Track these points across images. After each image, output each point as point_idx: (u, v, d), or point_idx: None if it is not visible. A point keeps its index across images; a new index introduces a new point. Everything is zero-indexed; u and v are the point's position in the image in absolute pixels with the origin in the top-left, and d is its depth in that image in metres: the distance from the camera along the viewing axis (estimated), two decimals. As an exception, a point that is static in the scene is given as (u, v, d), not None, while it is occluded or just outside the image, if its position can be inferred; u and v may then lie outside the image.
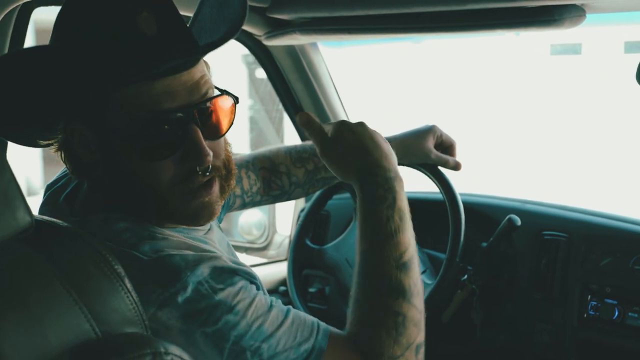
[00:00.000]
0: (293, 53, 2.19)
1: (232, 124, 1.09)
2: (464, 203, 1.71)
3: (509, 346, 1.90)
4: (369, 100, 12.11)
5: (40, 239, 0.87)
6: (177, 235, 1.08)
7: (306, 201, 2.42)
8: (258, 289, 1.07)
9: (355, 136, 1.24)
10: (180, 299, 0.96)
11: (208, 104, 1.03)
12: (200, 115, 1.02)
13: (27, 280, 0.81)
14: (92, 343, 0.82)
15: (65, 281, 0.82)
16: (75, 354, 0.80)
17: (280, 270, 2.47)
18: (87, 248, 0.87)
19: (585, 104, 13.41)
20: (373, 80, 14.14)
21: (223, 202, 1.13)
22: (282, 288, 2.44)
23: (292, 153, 1.69)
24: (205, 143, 1.03)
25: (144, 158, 1.01)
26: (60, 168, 1.22)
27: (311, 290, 2.15)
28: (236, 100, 1.09)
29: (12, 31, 1.48)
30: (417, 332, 1.18)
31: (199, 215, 1.08)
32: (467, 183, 2.11)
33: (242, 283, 1.02)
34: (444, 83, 14.38)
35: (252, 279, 1.06)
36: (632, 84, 1.58)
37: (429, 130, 1.69)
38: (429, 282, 1.70)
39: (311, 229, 2.00)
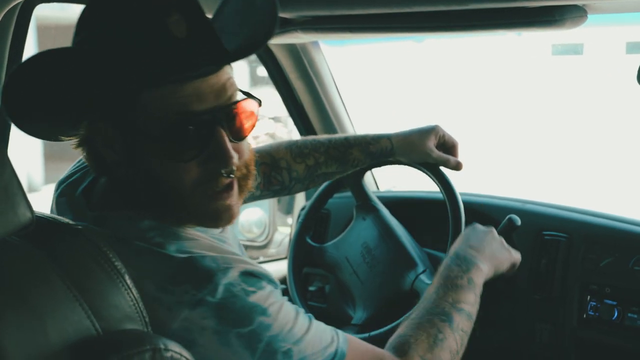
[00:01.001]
0: (294, 52, 2.19)
1: (254, 126, 1.10)
2: (465, 203, 1.72)
3: (509, 346, 1.90)
4: (370, 99, 12.11)
5: (40, 235, 0.87)
6: (199, 235, 1.09)
7: (307, 199, 2.43)
8: (282, 294, 1.09)
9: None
10: (214, 299, 0.96)
11: (234, 106, 1.04)
12: (227, 117, 1.04)
13: (27, 276, 0.81)
14: (92, 339, 0.82)
15: (66, 277, 0.83)
16: (75, 350, 0.80)
17: (280, 268, 2.47)
18: (88, 244, 0.88)
19: (586, 104, 13.41)
20: (375, 79, 14.13)
21: (241, 202, 1.14)
22: (282, 286, 2.44)
23: (293, 148, 1.70)
24: (229, 145, 1.04)
25: (170, 158, 1.01)
26: (62, 164, 1.22)
27: (311, 288, 2.16)
28: (259, 102, 1.10)
29: (14, 28, 1.48)
30: (449, 358, 1.24)
31: (220, 217, 1.09)
32: (468, 183, 2.11)
33: (270, 287, 1.04)
34: (445, 82, 14.37)
35: (275, 285, 1.08)
36: (633, 84, 1.59)
37: (432, 130, 1.72)
38: (428, 281, 1.70)
39: (312, 227, 2.01)
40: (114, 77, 0.97)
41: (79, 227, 0.91)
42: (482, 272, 1.45)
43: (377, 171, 2.24)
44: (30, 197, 0.83)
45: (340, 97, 2.37)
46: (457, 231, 1.67)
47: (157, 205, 1.06)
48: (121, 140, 1.03)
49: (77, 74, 0.97)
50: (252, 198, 1.70)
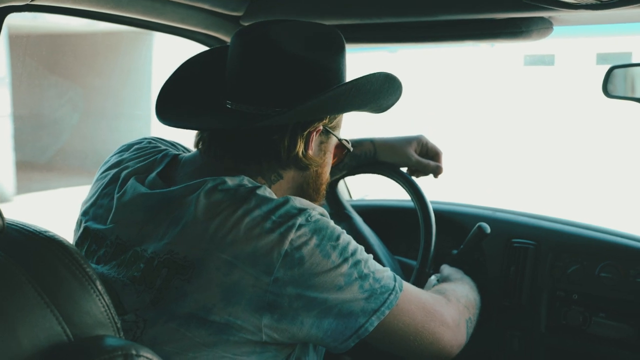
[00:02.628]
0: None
1: None
2: (436, 211, 1.74)
3: (480, 353, 1.92)
4: (344, 108, 12.11)
5: (11, 242, 0.87)
6: None
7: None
8: None
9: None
10: (310, 222, 1.16)
11: None
12: None
13: (-2, 283, 0.81)
14: (64, 345, 0.82)
15: (37, 284, 0.83)
16: (46, 356, 0.80)
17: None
18: (59, 251, 0.88)
19: (556, 113, 13.56)
20: (349, 89, 14.15)
21: None
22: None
23: None
24: None
25: (333, 160, 1.39)
26: (33, 174, 1.22)
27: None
28: None
29: (-15, 36, 1.48)
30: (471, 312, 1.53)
31: None
32: (440, 191, 2.14)
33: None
34: (420, 92, 14.46)
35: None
36: (602, 95, 1.62)
37: (415, 138, 1.79)
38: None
39: None
40: (351, 104, 1.28)
41: (49, 233, 0.91)
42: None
43: (350, 180, 2.26)
44: (2, 207, 0.83)
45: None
46: (428, 239, 1.69)
47: (306, 195, 1.33)
48: (318, 144, 1.31)
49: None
50: None
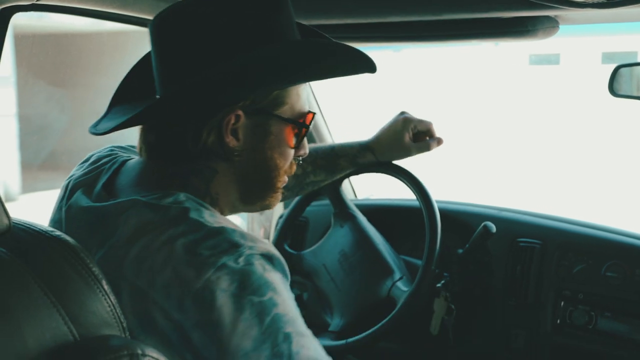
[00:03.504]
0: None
1: None
2: (441, 210, 1.74)
3: (485, 352, 1.92)
4: (348, 108, 12.14)
5: (17, 241, 0.87)
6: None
7: (285, 207, 2.43)
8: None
9: None
10: (237, 266, 1.02)
11: None
12: None
13: (4, 283, 0.81)
14: (69, 345, 0.83)
15: (43, 283, 0.83)
16: (52, 356, 0.80)
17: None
18: (64, 250, 0.88)
19: (561, 112, 13.54)
20: (353, 88, 14.17)
21: None
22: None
23: None
24: None
25: (293, 144, 1.21)
26: (38, 174, 1.22)
27: (289, 296, 2.16)
28: None
29: (-9, 36, 1.48)
30: None
31: (275, 201, 1.27)
32: (445, 189, 2.14)
33: (280, 276, 1.09)
34: (424, 91, 14.45)
35: (288, 277, 1.13)
36: (607, 94, 1.62)
37: (404, 129, 1.76)
38: (405, 288, 1.72)
39: (290, 234, 2.01)
40: (277, 76, 1.14)
41: (56, 233, 0.92)
42: None
43: (355, 179, 2.26)
44: (7, 206, 0.84)
45: (318, 106, 2.38)
46: (433, 238, 1.69)
47: (244, 187, 1.20)
48: (252, 127, 1.15)
49: (238, 70, 1.10)
50: None
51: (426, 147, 1.77)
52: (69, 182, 1.24)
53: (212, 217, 1.09)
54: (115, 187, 1.18)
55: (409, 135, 1.76)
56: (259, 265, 1.04)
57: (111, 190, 1.17)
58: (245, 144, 1.15)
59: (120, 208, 1.09)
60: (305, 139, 1.24)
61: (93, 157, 1.29)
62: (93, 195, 1.17)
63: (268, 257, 1.07)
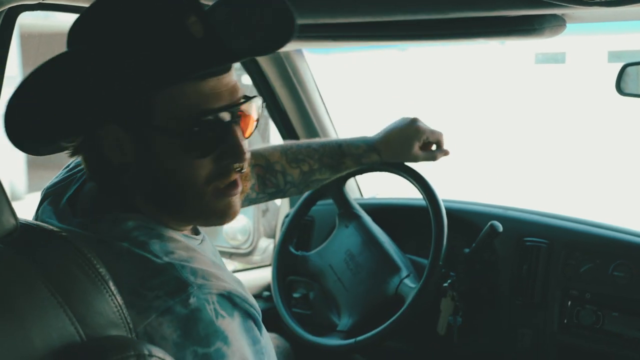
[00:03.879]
0: (278, 60, 2.20)
1: (257, 125, 1.14)
2: (447, 209, 1.74)
3: (491, 351, 1.92)
4: (354, 107, 12.14)
5: (25, 241, 0.87)
6: (182, 239, 1.09)
7: (291, 206, 2.43)
8: (255, 330, 1.07)
9: None
10: (183, 311, 0.96)
11: (244, 105, 1.08)
12: (239, 115, 1.08)
13: (11, 283, 0.81)
14: (76, 346, 0.83)
15: (50, 284, 0.83)
16: (59, 356, 0.80)
17: (265, 275, 2.48)
18: (72, 251, 0.88)
19: (568, 111, 13.51)
20: (359, 87, 14.17)
21: (241, 201, 1.16)
22: (266, 293, 2.45)
23: (288, 153, 1.72)
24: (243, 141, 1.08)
25: (191, 155, 1.04)
26: (45, 172, 1.22)
27: (295, 295, 2.16)
28: (264, 102, 1.15)
29: (-3, 35, 1.48)
30: None
31: (226, 213, 1.12)
32: (451, 189, 2.13)
33: (239, 320, 1.03)
34: (429, 90, 14.44)
35: (252, 312, 1.06)
36: (614, 93, 1.62)
37: (415, 136, 1.75)
38: (412, 285, 1.72)
39: (295, 235, 2.01)
40: (132, 76, 0.99)
41: (64, 233, 0.92)
42: None
43: (361, 178, 2.26)
44: (13, 205, 0.84)
45: (324, 105, 2.38)
46: (439, 238, 1.69)
47: (160, 205, 1.08)
48: (132, 140, 1.05)
49: (88, 76, 0.99)
50: (249, 201, 1.72)
51: (432, 157, 1.79)
52: (43, 190, 1.21)
53: (162, 248, 1.02)
54: (79, 201, 1.13)
55: (419, 145, 1.76)
56: (210, 310, 0.97)
57: (74, 204, 1.13)
58: (130, 159, 1.06)
59: None
60: (237, 142, 1.06)
61: (72, 163, 1.24)
62: (58, 209, 1.12)
63: (226, 298, 1.01)
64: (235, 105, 1.06)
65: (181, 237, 1.10)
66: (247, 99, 1.09)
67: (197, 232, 1.19)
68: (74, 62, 1.00)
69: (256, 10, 1.09)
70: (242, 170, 1.09)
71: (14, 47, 1.57)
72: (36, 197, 1.22)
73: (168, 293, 0.97)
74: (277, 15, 1.09)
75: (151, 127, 1.03)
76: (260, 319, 1.10)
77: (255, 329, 1.07)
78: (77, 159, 1.15)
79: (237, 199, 1.12)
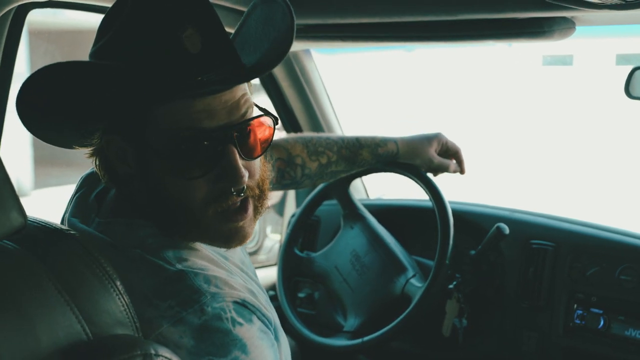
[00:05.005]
0: (287, 60, 2.20)
1: (269, 144, 1.07)
2: (453, 211, 1.74)
3: (497, 354, 1.91)
4: (361, 107, 12.14)
5: (33, 239, 0.88)
6: (200, 247, 1.07)
7: (297, 205, 2.43)
8: (271, 335, 1.05)
9: None
10: (197, 321, 0.94)
11: (247, 124, 1.02)
12: (239, 135, 1.01)
13: (19, 280, 0.81)
14: (83, 344, 0.83)
15: (57, 282, 0.83)
16: (65, 354, 0.80)
17: (270, 274, 2.48)
18: (79, 249, 0.88)
19: (575, 114, 13.48)
20: (366, 88, 14.16)
21: (256, 223, 1.11)
22: (271, 292, 2.45)
23: (309, 146, 1.72)
24: (241, 163, 1.01)
25: (178, 176, 0.99)
26: (52, 169, 1.22)
27: (300, 295, 2.16)
28: (275, 120, 1.08)
29: (7, 33, 1.48)
30: None
31: (232, 238, 1.07)
32: (457, 191, 2.13)
33: (258, 325, 1.01)
34: (437, 91, 14.42)
35: (266, 322, 1.04)
36: (623, 95, 1.61)
37: (434, 138, 1.79)
38: (419, 284, 1.72)
39: (300, 236, 2.01)
40: (127, 90, 0.96)
41: (72, 232, 0.92)
42: None
43: (367, 179, 2.25)
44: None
45: (332, 104, 2.38)
46: (446, 236, 1.69)
47: (166, 220, 1.04)
48: (134, 153, 1.02)
49: (91, 86, 0.96)
50: None
51: (447, 165, 1.79)
52: (80, 178, 1.22)
53: (176, 256, 1.01)
54: (105, 200, 1.12)
55: (437, 148, 1.79)
56: (227, 319, 0.95)
57: (102, 201, 1.12)
58: (134, 170, 1.04)
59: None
60: (232, 164, 1.00)
61: None
62: (87, 204, 1.12)
63: (241, 305, 0.99)
64: (233, 125, 1.00)
65: (201, 245, 1.08)
66: (250, 119, 1.02)
67: None
68: (80, 66, 0.97)
69: (269, 24, 1.08)
70: (242, 194, 1.03)
71: (22, 45, 1.58)
72: (42, 194, 1.22)
73: (180, 303, 0.95)
74: (280, 26, 1.07)
75: (145, 144, 1.00)
76: (273, 329, 1.07)
77: (272, 334, 1.06)
78: None
79: (245, 224, 1.07)
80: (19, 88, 0.96)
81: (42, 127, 1.02)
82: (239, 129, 1.01)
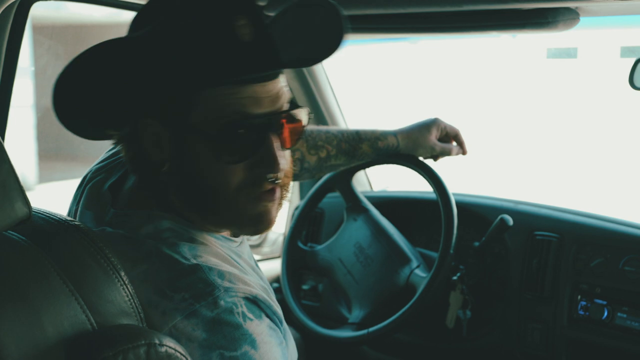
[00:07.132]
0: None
1: (300, 137, 1.11)
2: (457, 203, 1.73)
3: (501, 345, 1.91)
4: (365, 99, 12.12)
5: (37, 230, 0.88)
6: (214, 242, 1.08)
7: (301, 198, 2.44)
8: (280, 332, 1.06)
9: None
10: (210, 314, 0.95)
11: (285, 114, 1.05)
12: (277, 124, 1.04)
13: (24, 271, 0.82)
14: (88, 334, 0.83)
15: (62, 272, 0.84)
16: (70, 344, 0.81)
17: (274, 267, 2.48)
18: (84, 240, 0.89)
19: (580, 106, 13.45)
20: (370, 80, 14.14)
21: (280, 210, 1.13)
22: (275, 285, 2.46)
23: (308, 140, 1.73)
24: (278, 152, 1.04)
25: (221, 159, 1.01)
26: (56, 163, 1.23)
27: (304, 287, 2.17)
28: (308, 115, 1.12)
29: (10, 27, 1.49)
30: None
31: (260, 221, 1.08)
32: (461, 183, 2.13)
33: (267, 322, 1.02)
34: (440, 83, 14.39)
35: (276, 319, 1.05)
36: (627, 87, 1.61)
37: (432, 124, 1.78)
38: (423, 274, 1.72)
39: (303, 229, 2.02)
40: (175, 73, 0.99)
41: (75, 222, 0.92)
42: None
43: (370, 172, 2.25)
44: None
45: (335, 97, 2.38)
46: (449, 231, 1.68)
47: (193, 207, 1.06)
48: (170, 138, 1.03)
49: (135, 66, 0.99)
50: None
51: (449, 150, 1.79)
52: (88, 171, 1.22)
53: (191, 251, 1.02)
54: (121, 191, 1.13)
55: (437, 134, 1.78)
56: (238, 314, 0.97)
57: (116, 193, 1.13)
58: (167, 155, 1.05)
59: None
60: (271, 151, 1.03)
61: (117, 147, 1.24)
62: (100, 195, 1.13)
63: (252, 302, 1.00)
64: (275, 114, 1.03)
65: (215, 241, 1.09)
66: (291, 108, 1.06)
67: (236, 234, 1.17)
68: (121, 49, 1.00)
69: (309, 22, 1.11)
70: (276, 182, 1.06)
71: (26, 39, 1.58)
72: (46, 188, 1.23)
73: (194, 296, 0.96)
74: (326, 24, 1.11)
75: (187, 126, 1.01)
76: (281, 326, 1.08)
77: (281, 332, 1.06)
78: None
79: (273, 206, 1.08)
80: (67, 64, 0.98)
81: (78, 114, 1.03)
82: (279, 119, 1.04)
